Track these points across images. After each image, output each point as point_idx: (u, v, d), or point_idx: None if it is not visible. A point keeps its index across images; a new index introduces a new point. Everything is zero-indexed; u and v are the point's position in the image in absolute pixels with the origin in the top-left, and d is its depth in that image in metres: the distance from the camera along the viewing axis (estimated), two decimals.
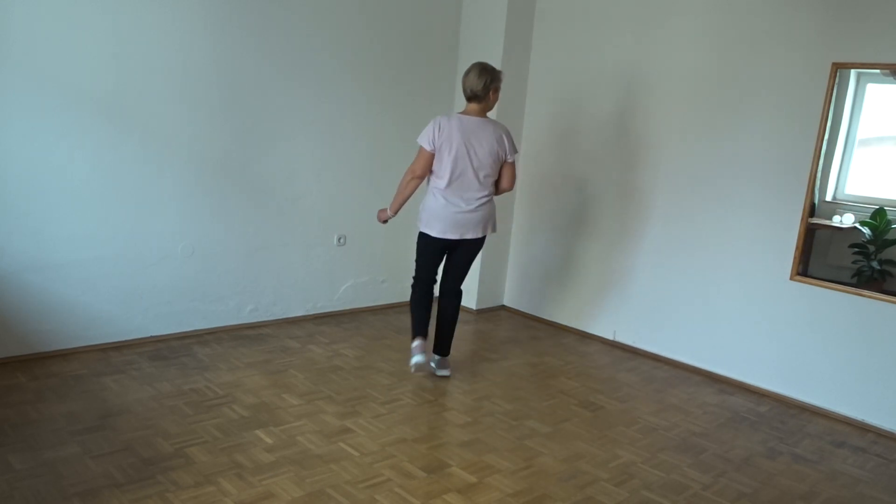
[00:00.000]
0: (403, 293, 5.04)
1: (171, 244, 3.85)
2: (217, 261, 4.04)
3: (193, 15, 3.67)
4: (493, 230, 3.63)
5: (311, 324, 4.45)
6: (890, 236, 3.46)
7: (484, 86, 3.39)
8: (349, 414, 3.21)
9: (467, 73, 3.43)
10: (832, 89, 3.53)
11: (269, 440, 2.89)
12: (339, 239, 4.61)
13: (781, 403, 3.79)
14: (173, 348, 3.80)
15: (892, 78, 3.41)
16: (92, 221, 3.55)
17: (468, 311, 5.06)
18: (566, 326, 4.83)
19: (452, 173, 3.39)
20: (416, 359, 3.52)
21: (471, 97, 3.43)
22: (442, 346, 3.77)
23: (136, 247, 3.72)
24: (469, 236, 3.51)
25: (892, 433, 3.48)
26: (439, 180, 3.43)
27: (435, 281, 3.71)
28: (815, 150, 3.60)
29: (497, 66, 4.69)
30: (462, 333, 4.52)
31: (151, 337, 3.88)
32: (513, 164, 3.54)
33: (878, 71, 3.44)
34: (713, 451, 3.16)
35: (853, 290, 3.53)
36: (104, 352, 3.66)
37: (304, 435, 2.97)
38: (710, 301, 4.07)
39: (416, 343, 3.57)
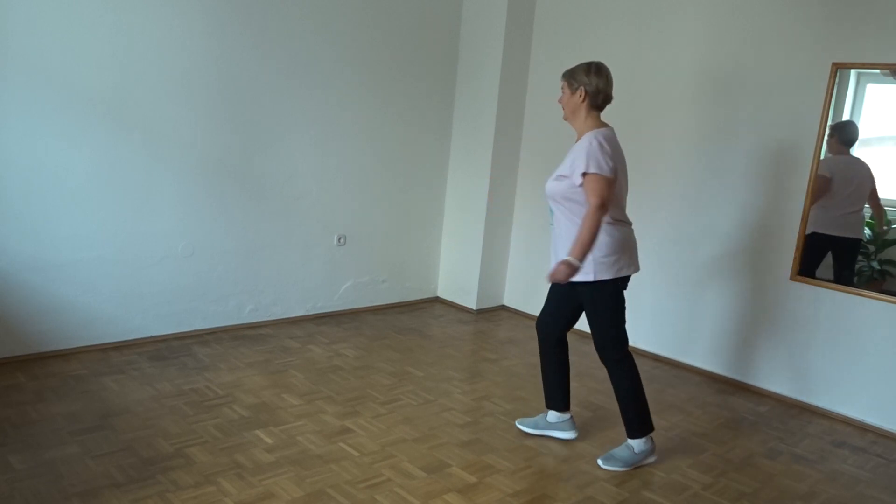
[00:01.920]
0: (403, 293, 5.05)
1: (171, 244, 3.85)
2: (217, 261, 4.04)
3: (194, 15, 3.67)
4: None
5: (311, 324, 4.44)
6: (890, 236, 3.46)
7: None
8: (349, 414, 3.21)
9: (600, 73, 2.76)
10: (832, 89, 3.53)
11: (269, 440, 2.89)
12: (339, 239, 4.61)
13: (781, 403, 3.79)
14: (173, 348, 3.80)
15: (892, 78, 3.41)
16: (92, 221, 3.55)
17: (468, 311, 5.06)
18: None
19: (624, 197, 2.81)
20: (572, 435, 3.07)
21: (604, 105, 2.81)
22: (567, 400, 3.12)
23: (136, 247, 3.72)
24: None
25: (892, 433, 3.48)
26: (616, 209, 2.76)
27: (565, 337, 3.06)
28: (815, 150, 3.60)
29: (497, 66, 4.72)
30: (462, 333, 4.52)
31: (151, 337, 3.88)
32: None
33: (878, 71, 3.44)
34: (713, 451, 3.16)
35: (853, 290, 3.53)
36: (104, 352, 3.66)
37: (304, 435, 2.97)
38: (710, 301, 4.07)
39: (648, 443, 2.92)
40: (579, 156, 2.68)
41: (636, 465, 2.92)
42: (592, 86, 2.74)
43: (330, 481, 2.62)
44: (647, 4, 4.22)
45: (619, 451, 2.94)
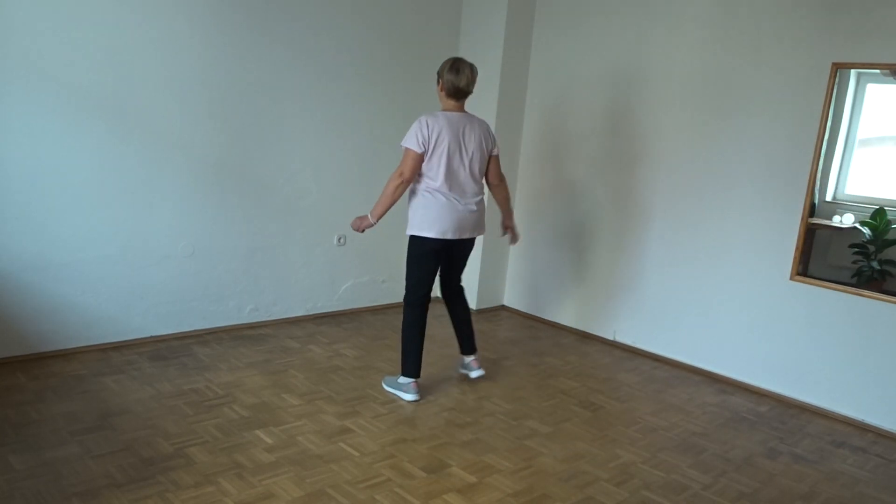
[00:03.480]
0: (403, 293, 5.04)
1: (171, 244, 3.85)
2: (217, 261, 4.04)
3: (194, 15, 3.67)
4: (483, 231, 3.52)
5: (311, 324, 4.44)
6: (890, 236, 3.46)
7: (474, 82, 3.32)
8: (349, 414, 3.21)
9: (457, 70, 3.24)
10: (832, 89, 3.53)
11: (269, 440, 2.89)
12: (339, 239, 4.61)
13: (781, 403, 3.79)
14: (173, 348, 3.80)
15: (892, 78, 3.41)
16: (92, 221, 3.55)
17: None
18: (566, 326, 4.83)
19: (447, 173, 3.26)
20: (413, 397, 3.42)
21: (457, 94, 3.29)
22: (470, 345, 3.69)
23: (136, 247, 3.72)
24: (466, 236, 3.40)
25: (892, 433, 3.48)
26: (432, 181, 3.28)
27: (430, 298, 3.46)
28: (815, 150, 3.60)
29: (497, 67, 4.72)
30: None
31: (151, 337, 3.88)
32: (497, 158, 3.47)
33: (878, 71, 3.44)
34: (713, 451, 3.16)
35: (853, 290, 3.53)
36: (104, 352, 3.66)
37: (304, 435, 2.97)
38: (709, 301, 4.07)
39: (412, 382, 3.42)
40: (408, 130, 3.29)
41: (395, 391, 3.47)
42: (446, 80, 3.28)
43: (330, 481, 2.62)
44: (646, 5, 4.22)
45: (392, 377, 3.56)
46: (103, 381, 3.32)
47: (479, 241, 4.95)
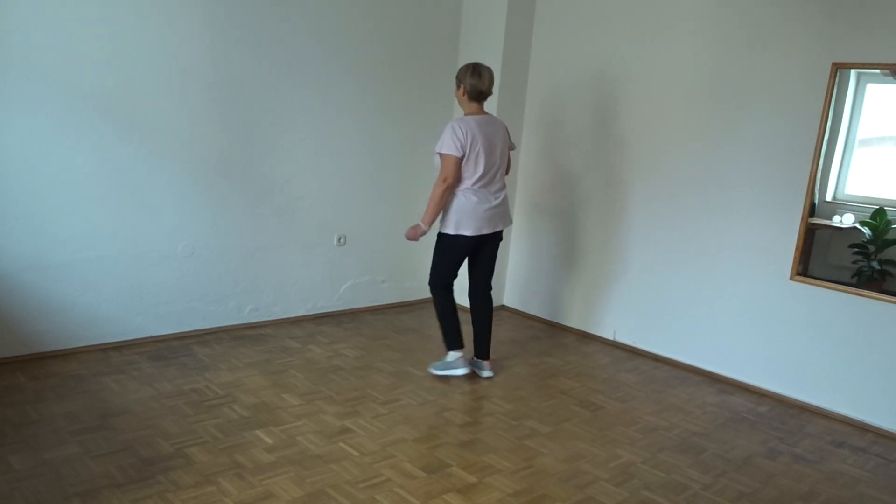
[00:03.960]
0: (403, 293, 5.05)
1: (171, 244, 3.85)
2: (217, 261, 4.04)
3: (193, 15, 3.67)
4: (510, 222, 3.75)
5: (311, 324, 4.44)
6: (890, 236, 3.46)
7: (493, 84, 3.53)
8: (349, 414, 3.21)
9: (479, 74, 3.45)
10: (832, 89, 3.53)
11: (269, 440, 2.89)
12: (339, 239, 4.61)
13: (781, 403, 3.79)
14: (173, 348, 3.80)
15: (892, 78, 3.41)
16: (92, 221, 3.55)
17: (468, 311, 5.05)
18: (566, 326, 4.83)
19: (484, 173, 3.47)
20: (465, 371, 3.71)
21: (479, 97, 3.50)
22: (486, 351, 3.83)
23: (136, 247, 3.72)
24: (499, 228, 3.63)
25: (892, 433, 3.48)
26: (466, 181, 3.48)
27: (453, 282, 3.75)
28: (815, 150, 3.60)
29: (497, 66, 4.72)
30: (462, 333, 4.52)
31: (151, 337, 3.88)
32: (509, 153, 3.71)
33: (878, 71, 3.44)
34: (713, 451, 3.16)
35: (853, 290, 3.53)
36: (104, 352, 3.66)
37: (304, 435, 2.97)
38: (709, 301, 4.07)
39: (460, 357, 3.72)
40: (443, 136, 3.46)
41: (447, 372, 3.72)
42: (468, 84, 3.48)
43: (330, 481, 2.62)
44: (646, 5, 4.22)
45: (439, 362, 3.78)
46: (103, 381, 3.32)
47: None
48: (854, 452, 3.27)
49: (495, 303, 5.17)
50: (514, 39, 4.75)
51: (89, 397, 3.14)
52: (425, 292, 5.16)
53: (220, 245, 4.04)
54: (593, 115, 4.55)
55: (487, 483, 2.71)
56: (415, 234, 3.58)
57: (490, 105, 4.78)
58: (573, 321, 4.79)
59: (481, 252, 3.68)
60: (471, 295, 3.80)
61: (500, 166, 3.57)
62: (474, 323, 3.81)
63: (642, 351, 4.42)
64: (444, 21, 4.84)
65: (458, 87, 3.52)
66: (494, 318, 4.93)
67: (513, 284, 5.17)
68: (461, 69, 3.52)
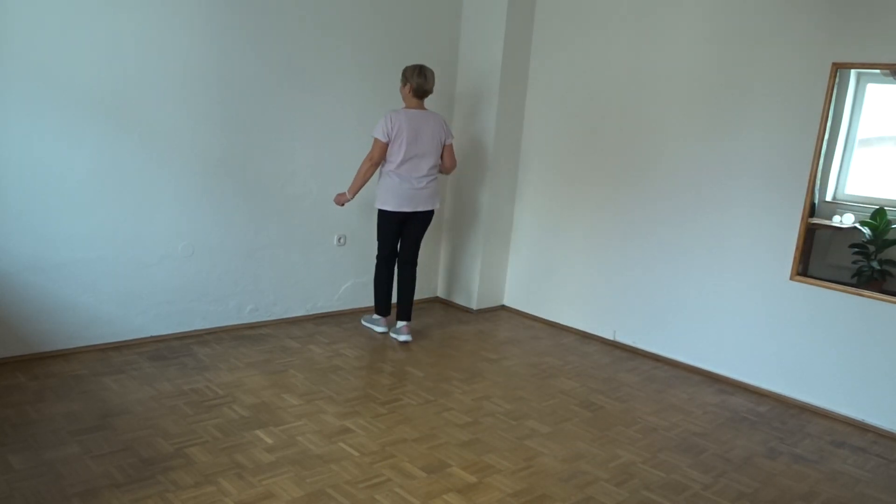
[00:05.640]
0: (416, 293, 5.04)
1: (171, 244, 3.85)
2: (217, 261, 4.04)
3: (193, 15, 3.67)
4: (436, 205, 4.20)
5: (311, 324, 4.45)
6: (890, 236, 3.46)
7: (433, 85, 4.04)
8: (349, 414, 3.21)
9: (424, 75, 3.97)
10: (832, 89, 3.53)
11: (269, 440, 2.89)
12: (339, 239, 4.61)
13: (781, 403, 3.79)
14: (173, 348, 3.80)
15: (892, 78, 3.41)
16: (92, 221, 3.55)
17: (468, 311, 5.06)
18: (566, 326, 4.83)
19: (404, 158, 3.98)
20: (383, 329, 4.36)
21: (422, 94, 4.01)
22: (408, 313, 4.30)
23: (136, 247, 3.72)
24: (420, 209, 4.11)
25: (892, 433, 3.48)
26: (391, 164, 4.01)
27: (395, 257, 4.27)
28: (815, 150, 3.60)
29: (497, 66, 4.73)
30: (462, 333, 4.52)
31: (151, 337, 3.88)
32: (451, 146, 4.18)
33: (878, 71, 3.44)
34: (713, 451, 3.16)
35: (853, 290, 3.53)
36: (104, 352, 3.66)
37: (304, 435, 2.97)
38: (710, 301, 4.07)
39: (382, 319, 4.37)
40: (377, 123, 4.00)
41: (370, 325, 4.43)
42: (415, 82, 3.99)
43: (330, 481, 2.62)
44: (646, 4, 4.22)
45: (369, 316, 4.51)
46: (103, 381, 3.32)
47: (479, 241, 4.97)
48: (854, 452, 3.27)
49: (495, 303, 5.21)
50: (515, 40, 4.74)
51: (89, 397, 3.14)
52: (425, 292, 5.18)
53: (220, 245, 4.04)
54: (593, 116, 4.55)
55: (487, 483, 2.71)
56: (340, 200, 4.16)
57: (491, 105, 4.81)
58: (573, 321, 4.79)
59: (407, 228, 4.18)
60: (399, 263, 4.29)
61: (426, 155, 4.04)
62: (400, 287, 4.29)
63: (642, 351, 4.42)
64: (445, 21, 4.84)
65: (405, 84, 4.00)
66: (494, 319, 4.96)
67: (513, 284, 5.17)
68: (408, 69, 4.00)
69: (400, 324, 4.28)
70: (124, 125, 3.55)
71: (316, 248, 4.49)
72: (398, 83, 4.66)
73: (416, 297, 5.14)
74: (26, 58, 3.21)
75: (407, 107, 4.03)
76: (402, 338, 4.24)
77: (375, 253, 4.29)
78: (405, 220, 4.14)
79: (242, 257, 4.15)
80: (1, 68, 3.16)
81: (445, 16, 4.83)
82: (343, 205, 4.20)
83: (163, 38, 3.59)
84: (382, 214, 4.11)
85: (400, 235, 4.21)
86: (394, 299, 4.53)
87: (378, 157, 3.98)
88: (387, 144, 3.96)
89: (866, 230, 3.52)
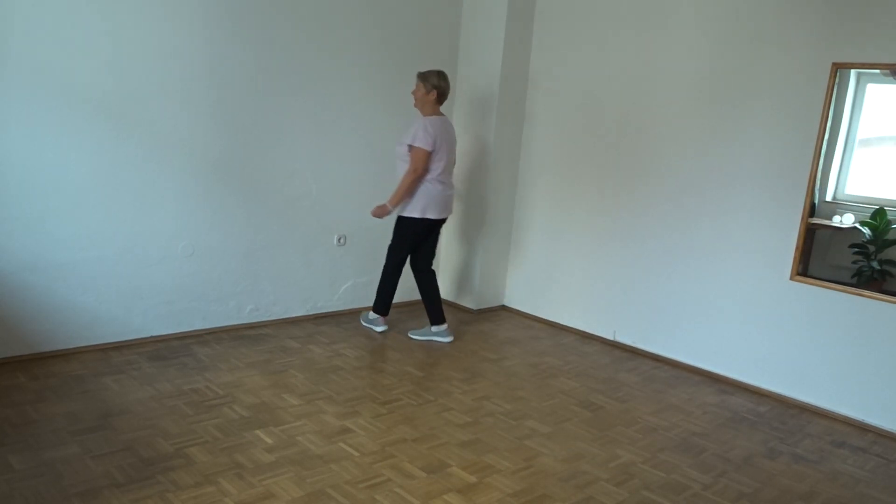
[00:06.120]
0: (403, 293, 5.03)
1: (171, 244, 3.85)
2: (217, 261, 4.04)
3: (192, 15, 3.67)
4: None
5: (311, 324, 4.45)
6: (890, 236, 3.46)
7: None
8: (349, 414, 3.21)
9: (445, 79, 3.97)
10: (832, 89, 3.53)
11: (269, 440, 2.89)
12: (339, 239, 4.61)
13: (781, 403, 3.79)
14: (173, 348, 3.81)
15: (892, 78, 3.41)
16: (92, 221, 3.55)
17: (468, 311, 5.06)
18: (566, 326, 4.83)
19: (445, 166, 4.02)
20: (384, 328, 4.38)
21: (443, 99, 4.02)
22: (440, 314, 4.31)
23: (136, 247, 3.72)
24: (450, 213, 4.22)
25: (892, 433, 3.48)
26: (434, 172, 3.98)
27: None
28: (815, 150, 3.60)
29: (497, 66, 4.73)
30: (462, 333, 4.52)
31: (151, 337, 3.88)
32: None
33: (878, 71, 3.44)
34: (713, 451, 3.16)
35: (853, 290, 3.53)
36: (104, 352, 3.66)
37: (304, 435, 2.97)
38: (709, 301, 4.07)
39: (382, 318, 4.37)
40: (415, 132, 3.91)
41: (371, 325, 4.41)
42: (440, 87, 3.97)
43: (330, 481, 2.62)
44: (646, 5, 4.22)
45: (366, 314, 4.47)
46: (103, 381, 3.32)
47: (479, 242, 4.97)
48: (854, 452, 3.27)
49: (495, 303, 5.21)
50: (514, 42, 4.74)
51: (89, 397, 3.14)
52: None
53: (220, 245, 4.04)
54: (593, 117, 4.55)
55: (487, 483, 2.71)
56: (381, 213, 4.04)
57: (490, 108, 4.81)
58: (573, 321, 4.79)
59: (431, 235, 4.19)
60: (420, 271, 4.27)
61: (453, 160, 4.13)
62: (424, 295, 4.29)
63: (642, 351, 4.42)
64: (445, 21, 4.84)
65: (429, 90, 3.94)
66: (494, 319, 4.96)
67: (513, 285, 5.17)
68: (429, 73, 3.95)
69: (442, 326, 4.31)
70: (125, 125, 3.55)
71: (316, 248, 4.49)
72: (397, 83, 4.68)
73: (417, 297, 5.15)
74: (27, 59, 3.21)
75: (431, 112, 4.00)
76: (450, 338, 4.31)
77: (385, 254, 4.27)
78: (434, 226, 4.16)
79: (242, 257, 4.15)
80: (2, 69, 3.16)
81: (445, 16, 4.83)
82: (383, 217, 4.11)
83: (163, 38, 3.59)
84: (415, 223, 4.05)
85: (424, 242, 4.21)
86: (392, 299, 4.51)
87: (423, 168, 3.93)
88: (431, 154, 3.92)
89: (866, 230, 3.52)
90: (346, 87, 4.40)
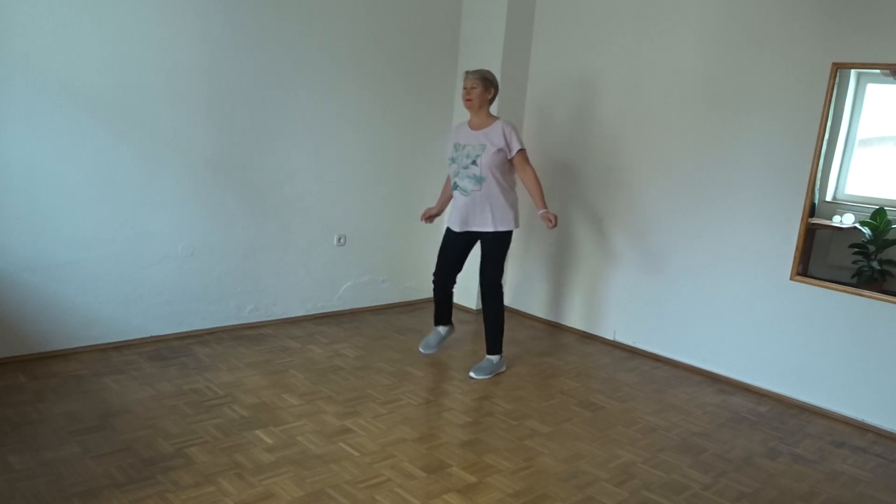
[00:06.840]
0: (403, 293, 5.06)
1: (171, 244, 3.85)
2: (217, 261, 4.04)
3: (193, 15, 3.67)
4: None
5: (311, 324, 4.44)
6: (890, 236, 3.46)
7: None
8: (349, 414, 3.21)
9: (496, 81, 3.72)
10: (832, 89, 3.53)
11: (269, 440, 2.89)
12: (339, 239, 4.61)
13: (781, 403, 3.79)
14: (173, 348, 3.81)
15: (892, 78, 3.41)
16: (92, 221, 3.55)
17: (468, 311, 5.06)
18: (566, 326, 4.83)
19: None
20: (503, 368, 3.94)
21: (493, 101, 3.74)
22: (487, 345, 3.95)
23: (136, 247, 3.72)
24: None
25: (892, 433, 3.48)
26: (516, 179, 3.79)
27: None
28: (815, 150, 3.60)
29: (497, 66, 4.72)
30: (462, 333, 4.52)
31: (151, 337, 3.88)
32: None
33: (878, 71, 3.44)
34: (713, 451, 3.16)
35: (853, 290, 3.53)
36: (104, 352, 3.66)
37: (304, 435, 2.97)
38: (710, 301, 4.07)
39: (500, 357, 3.90)
40: (510, 137, 3.61)
41: (495, 373, 3.85)
42: (499, 90, 3.74)
43: (330, 481, 2.62)
44: (646, 5, 4.22)
45: (484, 364, 3.84)
46: (103, 381, 3.32)
47: (478, 242, 4.96)
48: (854, 452, 3.27)
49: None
50: (514, 43, 4.75)
51: (89, 397, 3.14)
52: (425, 292, 5.17)
53: (220, 245, 4.04)
54: (592, 118, 4.55)
55: (487, 483, 2.71)
56: (554, 218, 3.63)
57: (491, 107, 4.80)
58: (573, 321, 4.79)
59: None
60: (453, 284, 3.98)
61: None
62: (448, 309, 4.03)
63: (642, 351, 4.42)
64: (444, 21, 4.84)
65: (492, 91, 3.66)
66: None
67: (513, 285, 5.17)
68: (492, 74, 3.67)
69: (444, 327, 4.08)
70: (125, 125, 3.55)
71: (316, 248, 4.49)
72: (398, 83, 4.68)
73: (416, 297, 5.15)
74: (27, 59, 3.21)
75: (489, 114, 3.69)
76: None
77: (433, 271, 3.92)
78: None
79: (242, 257, 4.15)
80: (2, 69, 3.16)
81: (445, 16, 4.83)
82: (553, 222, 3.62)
83: (163, 38, 3.59)
84: (511, 235, 3.75)
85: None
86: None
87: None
88: None
89: (866, 230, 3.52)
90: (346, 87, 4.40)
